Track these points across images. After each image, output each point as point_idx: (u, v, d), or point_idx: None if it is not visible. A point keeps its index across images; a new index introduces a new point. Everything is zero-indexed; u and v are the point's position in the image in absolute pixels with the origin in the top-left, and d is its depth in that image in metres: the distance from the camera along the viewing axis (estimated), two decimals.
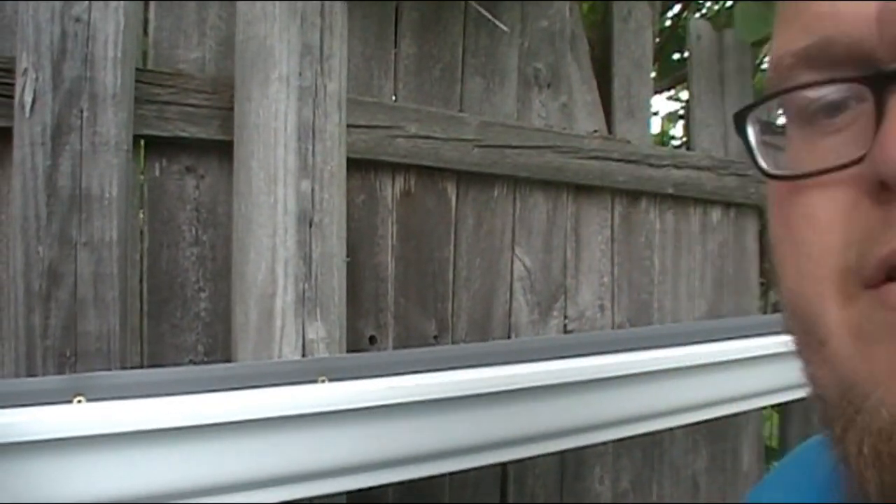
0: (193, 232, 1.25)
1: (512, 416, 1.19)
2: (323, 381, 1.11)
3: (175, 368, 1.11)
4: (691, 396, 1.42)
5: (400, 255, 1.46)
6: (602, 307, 1.73)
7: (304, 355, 1.16)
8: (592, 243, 1.72)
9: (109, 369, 1.06)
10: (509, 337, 1.59)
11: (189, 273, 1.24)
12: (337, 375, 1.17)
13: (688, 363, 1.37)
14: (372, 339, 1.42)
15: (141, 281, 1.21)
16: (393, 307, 1.45)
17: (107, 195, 1.05)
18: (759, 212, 2.02)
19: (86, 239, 1.05)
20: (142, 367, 1.18)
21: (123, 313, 1.08)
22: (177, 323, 1.23)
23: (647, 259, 1.81)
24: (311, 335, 1.17)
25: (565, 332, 1.66)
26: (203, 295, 1.26)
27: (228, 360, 1.22)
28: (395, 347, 1.44)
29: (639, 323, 1.78)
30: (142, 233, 1.21)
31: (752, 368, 1.46)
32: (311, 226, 1.19)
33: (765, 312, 2.03)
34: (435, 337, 1.49)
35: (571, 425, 1.29)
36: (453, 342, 1.52)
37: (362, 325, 1.39)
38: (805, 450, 0.59)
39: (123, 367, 1.09)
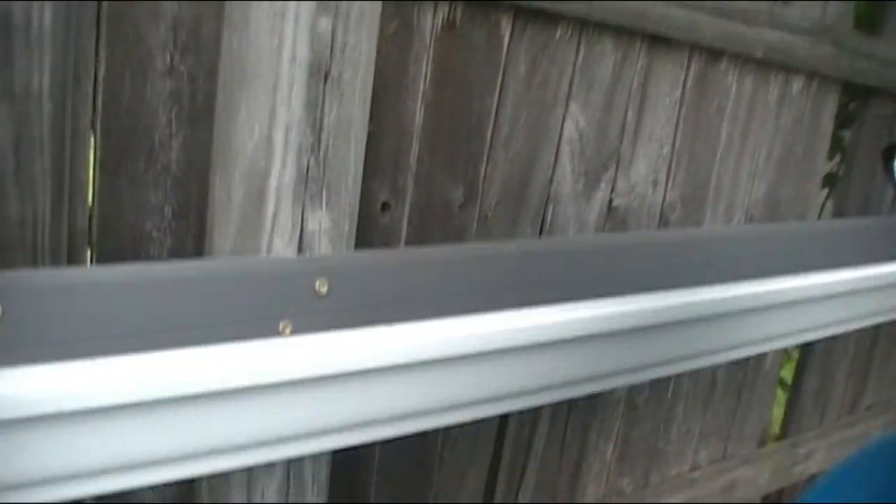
0: (167, 59, 0.90)
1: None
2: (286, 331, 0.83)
3: (127, 267, 0.82)
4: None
5: (432, 102, 1.12)
6: (655, 182, 1.43)
7: (300, 251, 0.87)
8: (658, 106, 1.39)
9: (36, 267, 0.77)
10: (545, 210, 1.30)
11: (158, 113, 0.91)
12: (340, 280, 0.89)
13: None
14: (385, 206, 1.12)
15: (93, 123, 0.88)
16: (415, 167, 1.13)
17: (35, 25, 0.70)
18: (843, 87, 1.68)
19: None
20: (90, 246, 0.89)
21: (57, 192, 0.77)
22: (138, 177, 0.92)
23: (714, 129, 1.49)
24: (311, 225, 0.87)
25: (610, 208, 1.37)
26: (175, 142, 0.93)
27: (202, 240, 0.92)
28: (411, 217, 1.14)
29: (691, 203, 1.49)
30: (97, 56, 0.86)
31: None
32: (326, 80, 0.85)
33: (824, 203, 1.75)
34: (460, 206, 1.20)
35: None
36: (480, 213, 1.22)
37: (375, 189, 1.09)
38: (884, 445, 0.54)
39: (55, 265, 0.79)
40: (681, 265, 1.24)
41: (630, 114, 1.35)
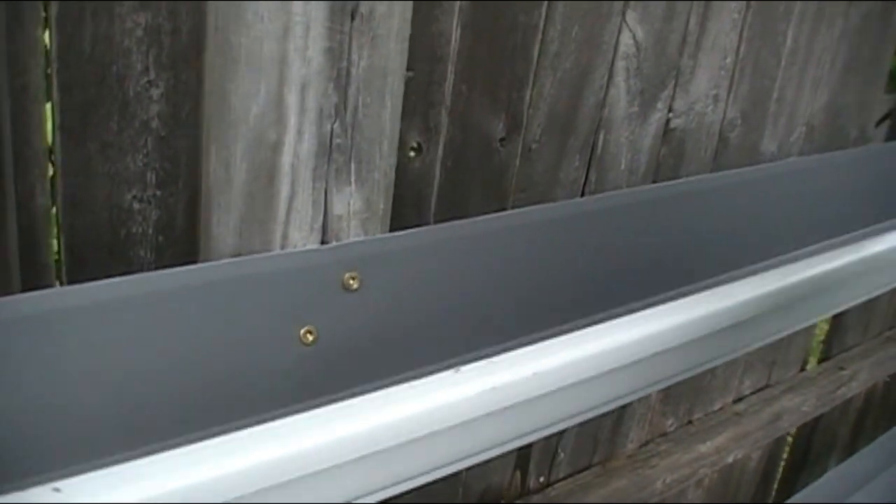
0: None
1: None
2: (308, 338, 0.64)
3: (95, 286, 0.61)
4: None
5: (470, 20, 0.89)
6: (716, 98, 1.21)
7: (323, 242, 0.67)
8: (723, 10, 1.15)
9: None
10: (595, 138, 1.09)
11: (132, 57, 0.68)
12: (374, 270, 0.69)
13: None
14: (416, 149, 0.90)
15: (48, 77, 0.65)
16: (450, 99, 0.91)
17: None
18: None
19: None
20: (57, 229, 0.68)
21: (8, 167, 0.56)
22: (111, 140, 0.70)
23: (780, 34, 1.25)
24: (338, 208, 0.66)
25: (666, 130, 1.16)
26: (155, 92, 0.71)
27: (195, 209, 0.71)
28: (445, 159, 0.93)
29: (751, 119, 1.28)
30: None
31: None
32: (353, 19, 0.62)
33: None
34: (501, 140, 0.99)
35: None
36: (524, 146, 1.01)
37: (404, 130, 0.87)
38: None
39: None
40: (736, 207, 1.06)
41: (693, 21, 1.12)
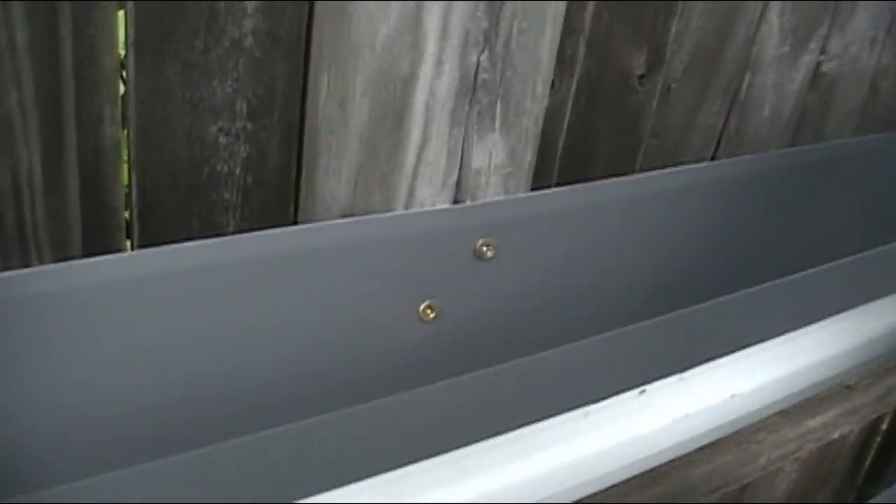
0: None
1: None
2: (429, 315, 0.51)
3: (169, 248, 0.48)
4: None
5: None
6: (873, 40, 1.03)
7: (456, 201, 0.53)
8: None
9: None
10: (741, 79, 0.92)
11: None
12: (512, 236, 0.55)
13: None
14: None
15: None
16: (590, 27, 0.75)
17: None
18: None
19: None
20: (128, 165, 0.55)
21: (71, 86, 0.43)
22: (194, 60, 0.56)
23: None
24: (478, 160, 0.53)
25: (816, 73, 0.99)
26: (251, 3, 0.56)
27: (293, 148, 0.58)
28: (578, 94, 0.78)
29: None
30: None
31: None
32: None
33: None
34: (640, 77, 0.83)
35: None
36: (663, 85, 0.85)
37: None
38: None
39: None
40: None
41: None
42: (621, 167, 0.86)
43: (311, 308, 0.50)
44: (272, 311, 0.50)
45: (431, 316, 0.55)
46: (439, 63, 0.48)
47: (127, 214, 0.63)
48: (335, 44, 0.50)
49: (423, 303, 0.55)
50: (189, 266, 0.45)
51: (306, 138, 0.56)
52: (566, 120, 0.79)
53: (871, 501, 1.61)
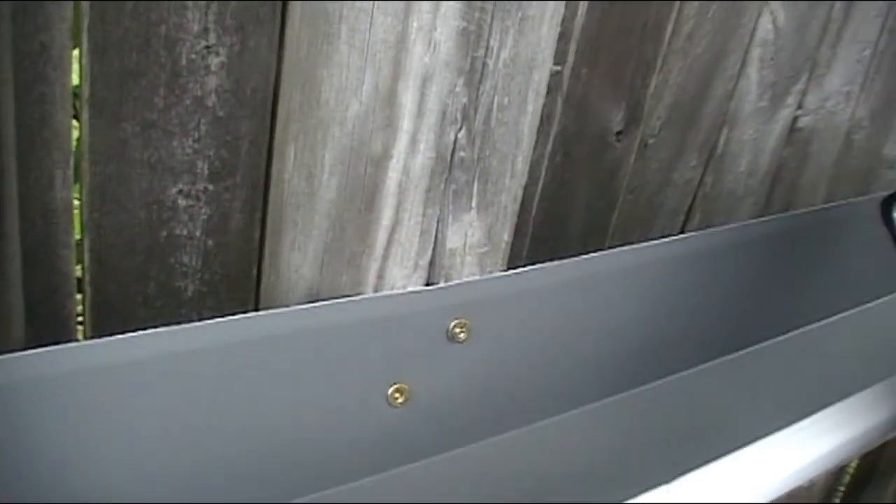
0: None
1: None
2: (398, 399, 0.48)
3: (121, 338, 0.44)
4: None
5: None
6: (849, 95, 1.01)
7: (429, 282, 0.50)
8: None
9: None
10: (718, 134, 0.90)
11: (187, 14, 0.50)
12: (487, 317, 0.52)
13: None
14: None
15: (77, 34, 0.47)
16: (568, 84, 0.73)
17: None
18: None
19: None
20: (82, 229, 0.51)
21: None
22: (153, 119, 0.53)
23: None
24: (453, 240, 0.49)
25: (793, 128, 0.97)
26: (215, 61, 0.53)
27: (254, 213, 0.54)
28: (553, 153, 0.75)
29: (877, 120, 1.09)
30: None
31: None
32: None
33: None
34: (618, 134, 0.80)
35: None
36: (641, 140, 0.83)
37: None
38: None
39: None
40: None
41: (837, 7, 0.92)
42: (597, 223, 0.83)
43: (274, 395, 0.47)
44: (233, 401, 0.46)
45: (400, 400, 0.51)
46: (414, 142, 0.45)
47: (79, 274, 0.59)
48: (303, 115, 0.46)
49: (391, 386, 0.51)
50: (145, 356, 0.42)
51: (271, 210, 0.52)
52: (541, 180, 0.76)
53: None
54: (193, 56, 0.52)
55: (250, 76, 0.54)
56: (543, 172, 0.76)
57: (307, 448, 0.49)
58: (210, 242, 0.59)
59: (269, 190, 0.51)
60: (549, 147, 0.75)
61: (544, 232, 0.77)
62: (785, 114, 0.96)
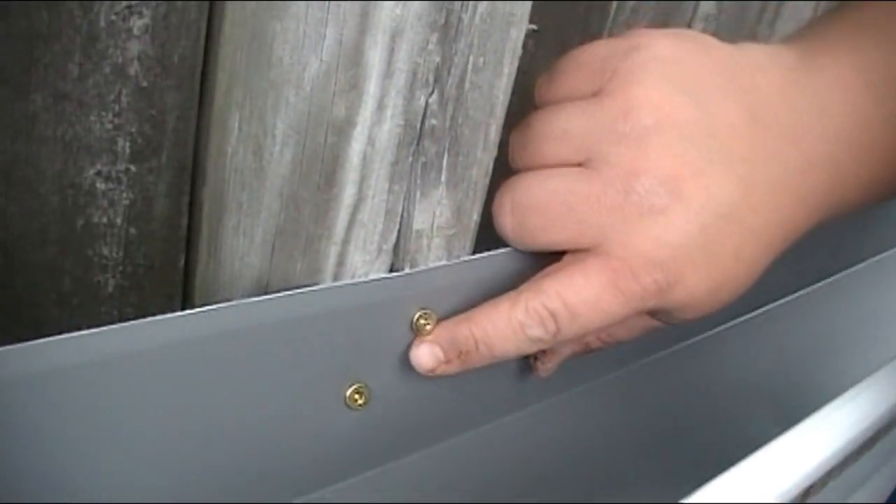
0: None
1: None
2: (357, 401, 0.43)
3: (33, 344, 0.37)
4: None
5: None
6: None
7: (393, 268, 0.44)
8: None
9: None
10: None
11: None
12: (452, 304, 0.47)
13: None
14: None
15: None
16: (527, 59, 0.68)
17: None
18: None
19: None
20: None
21: None
22: (67, 90, 0.45)
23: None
24: (419, 220, 0.44)
25: None
26: (138, 23, 0.45)
27: (191, 194, 0.47)
28: (508, 122, 0.71)
29: None
30: None
31: None
32: None
33: None
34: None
35: None
36: None
37: None
38: None
39: None
40: None
41: None
42: None
43: (216, 402, 0.40)
44: (169, 406, 0.39)
45: (360, 402, 0.45)
46: (381, 107, 0.39)
47: None
48: (249, 78, 0.40)
49: (350, 387, 0.45)
50: (62, 363, 0.35)
51: (209, 190, 0.45)
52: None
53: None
54: (113, 17, 0.45)
55: (178, 41, 0.47)
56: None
57: (254, 459, 0.43)
58: (133, 231, 0.52)
59: (200, 169, 0.45)
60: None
61: None
62: None
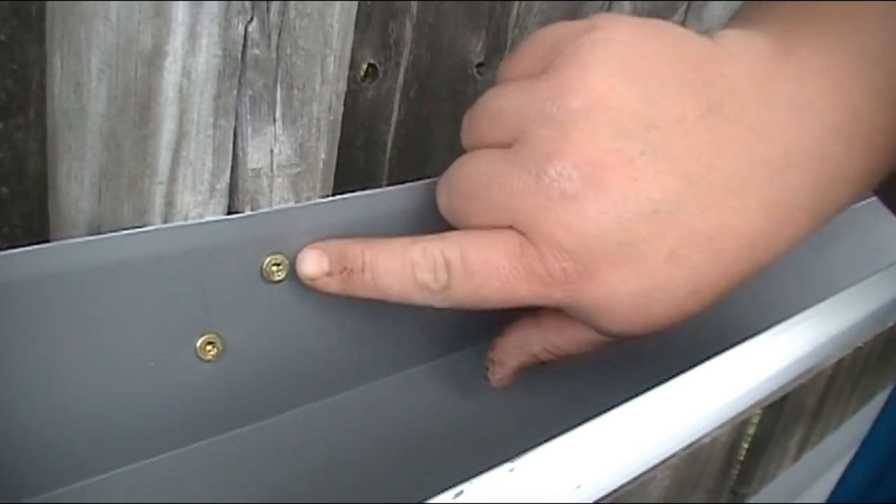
0: None
1: None
2: (209, 353, 0.42)
3: None
4: None
5: None
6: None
7: (232, 210, 0.43)
8: None
9: None
10: None
11: None
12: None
13: None
14: (369, 71, 0.66)
15: None
16: (417, 7, 0.67)
17: None
18: None
19: None
20: None
21: None
22: None
23: None
24: (255, 158, 0.42)
25: None
26: None
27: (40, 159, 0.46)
28: (407, 86, 0.69)
29: None
30: None
31: None
32: None
33: None
34: (479, 66, 0.75)
35: None
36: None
37: (356, 43, 0.62)
38: None
39: None
40: None
41: None
42: None
43: (56, 353, 0.39)
44: (8, 359, 0.38)
45: (212, 353, 0.44)
46: (193, 35, 0.38)
47: None
48: (64, 13, 0.39)
49: (200, 338, 0.44)
50: None
51: (49, 137, 0.44)
52: (394, 116, 0.70)
53: (750, 502, 1.59)
54: None
55: None
56: (397, 108, 0.69)
57: (100, 415, 0.42)
58: (5, 191, 0.51)
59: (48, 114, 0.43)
60: (401, 80, 0.69)
61: (402, 174, 0.71)
62: None
